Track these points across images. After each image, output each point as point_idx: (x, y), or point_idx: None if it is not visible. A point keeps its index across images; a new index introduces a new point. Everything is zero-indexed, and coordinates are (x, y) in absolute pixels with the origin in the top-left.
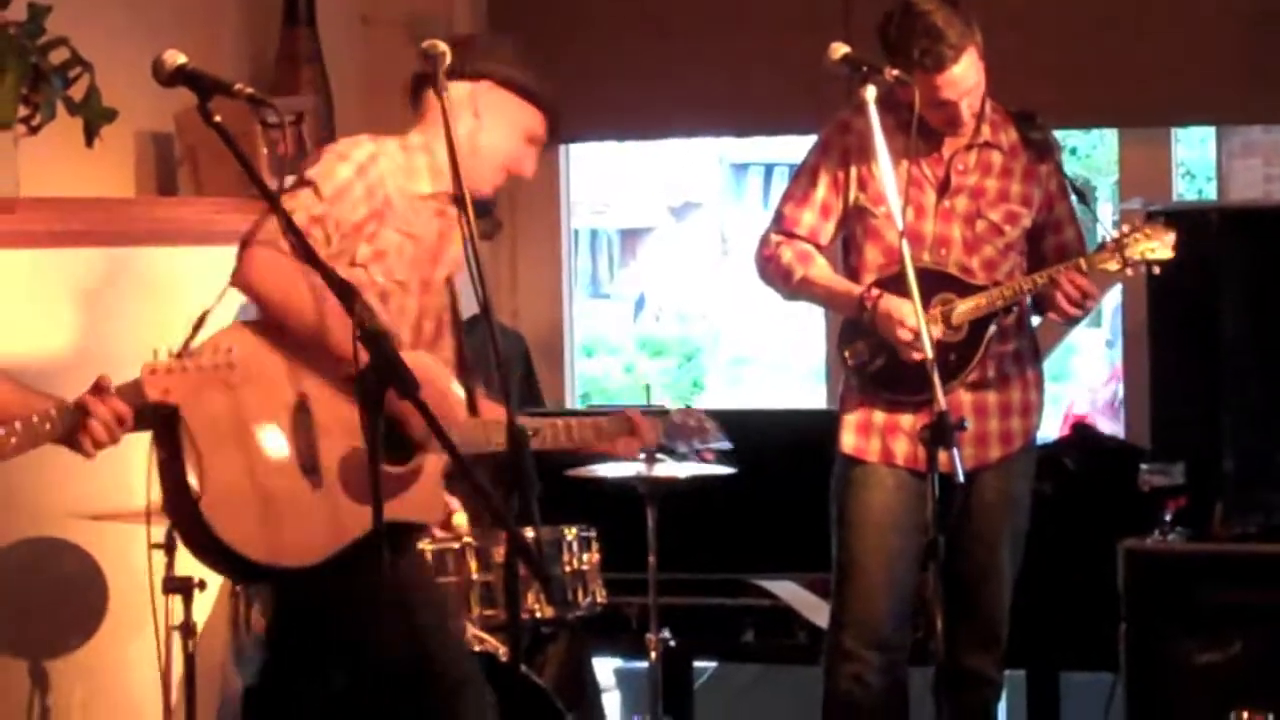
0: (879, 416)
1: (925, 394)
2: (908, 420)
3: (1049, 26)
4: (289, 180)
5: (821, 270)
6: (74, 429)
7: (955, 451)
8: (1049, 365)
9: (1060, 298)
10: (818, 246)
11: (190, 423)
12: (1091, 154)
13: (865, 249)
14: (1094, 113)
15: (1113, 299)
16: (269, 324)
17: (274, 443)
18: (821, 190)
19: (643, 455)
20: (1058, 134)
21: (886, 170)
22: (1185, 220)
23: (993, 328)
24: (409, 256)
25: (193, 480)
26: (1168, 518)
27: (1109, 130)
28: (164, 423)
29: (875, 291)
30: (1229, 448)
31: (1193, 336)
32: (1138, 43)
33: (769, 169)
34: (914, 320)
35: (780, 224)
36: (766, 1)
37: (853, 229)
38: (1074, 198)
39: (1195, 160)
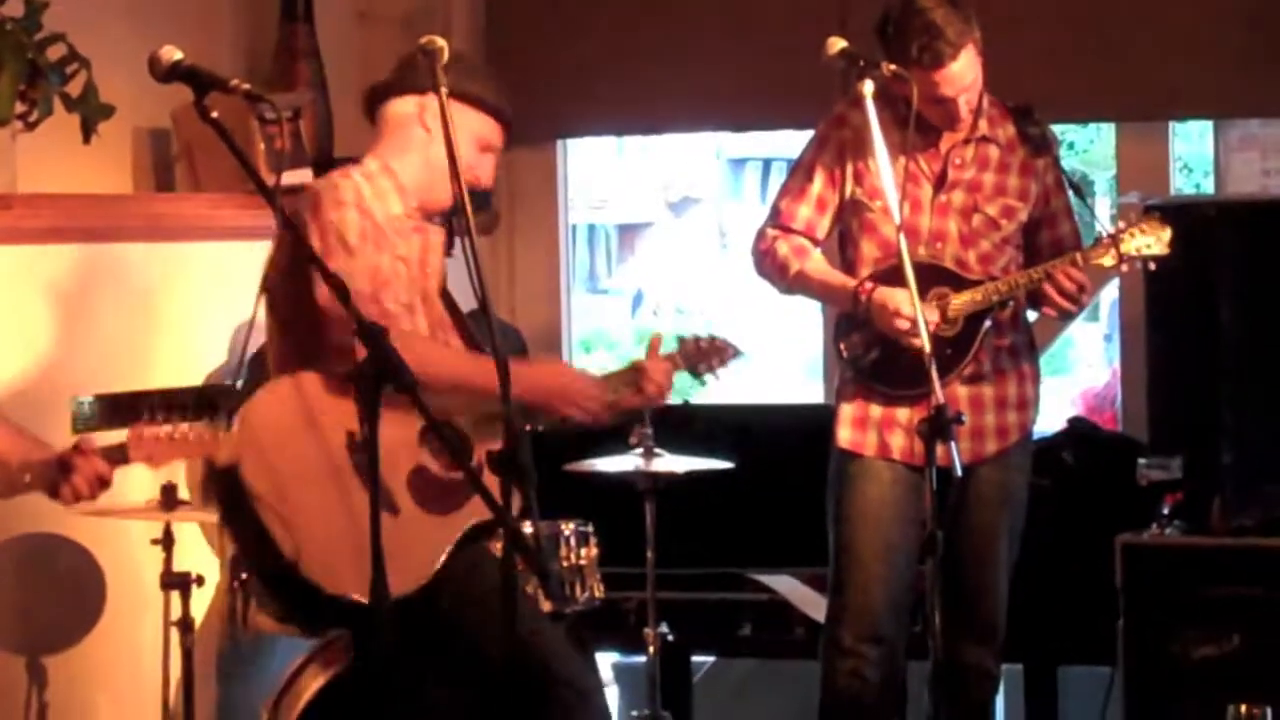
0: (875, 410)
1: (921, 388)
2: (904, 414)
3: (1046, 20)
4: (314, 235)
5: (817, 264)
6: (55, 481)
7: (953, 445)
8: (1046, 359)
9: (1054, 292)
10: (814, 241)
11: (257, 489)
12: (1089, 148)
13: (861, 243)
14: (1091, 107)
15: (1110, 293)
16: (296, 379)
17: (342, 487)
18: (818, 185)
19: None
20: (1055, 128)
21: (884, 165)
22: (1183, 214)
23: (988, 322)
24: (405, 278)
25: (284, 546)
26: (1165, 512)
27: (1106, 124)
28: (233, 498)
29: (869, 284)
30: (1227, 442)
31: (1190, 330)
32: (1135, 36)
33: (767, 164)
34: (910, 309)
35: (776, 218)
36: None
37: (849, 223)
38: (1071, 193)
39: (1193, 154)
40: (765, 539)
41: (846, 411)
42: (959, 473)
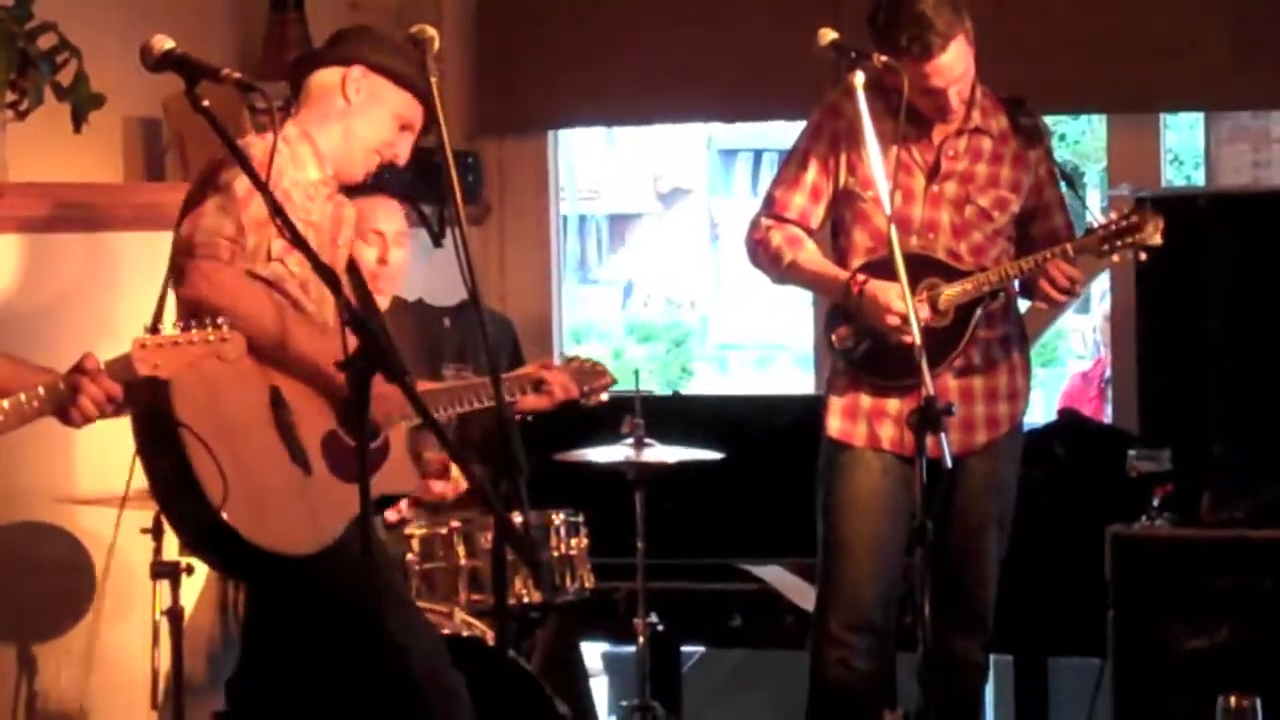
0: (865, 401)
1: (912, 378)
2: (894, 405)
3: (1036, 12)
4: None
5: (810, 255)
6: (64, 404)
7: (943, 436)
8: (1037, 350)
9: (1046, 284)
10: (808, 230)
11: (189, 425)
12: (1080, 140)
13: (854, 232)
14: (1082, 99)
15: (1100, 284)
16: None
17: (263, 438)
18: (812, 174)
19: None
20: (1046, 120)
21: (874, 155)
22: (1173, 206)
23: (979, 313)
24: (314, 244)
25: (208, 488)
26: (1155, 503)
27: (1097, 116)
28: (162, 433)
29: (861, 277)
30: (1216, 433)
31: (1180, 322)
32: (1126, 28)
33: (758, 155)
34: (900, 305)
35: (771, 207)
36: None
37: (842, 213)
38: (1063, 184)
39: (1183, 146)
40: (755, 529)
41: (836, 402)
42: (949, 464)
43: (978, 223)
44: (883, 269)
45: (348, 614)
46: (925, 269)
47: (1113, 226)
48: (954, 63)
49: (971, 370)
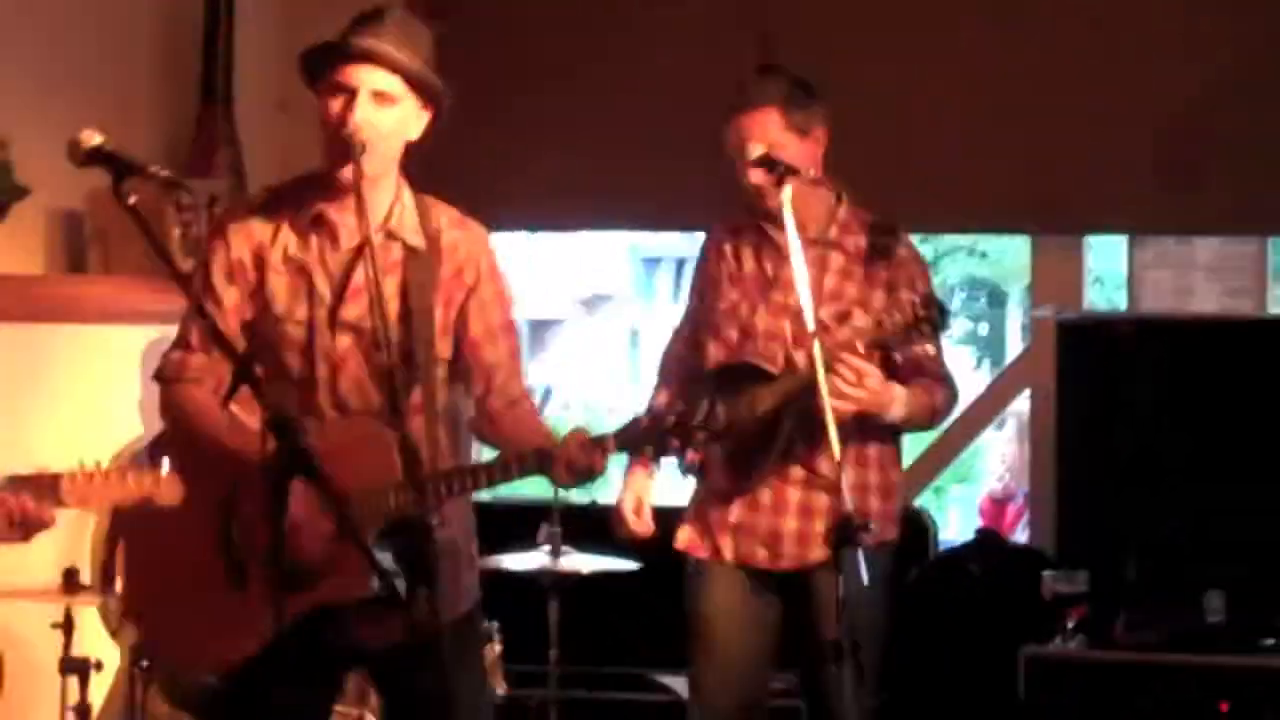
0: (710, 512)
1: (744, 484)
2: (734, 514)
3: (963, 132)
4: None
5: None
6: None
7: (859, 553)
8: (955, 467)
9: (838, 381)
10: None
11: (136, 528)
12: (1003, 259)
13: (709, 346)
14: (1008, 219)
15: (1020, 404)
16: None
17: (198, 546)
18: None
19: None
20: (972, 238)
21: (800, 268)
22: (1096, 329)
23: (787, 422)
24: (303, 290)
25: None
26: (1070, 625)
27: (1021, 235)
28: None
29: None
30: (1132, 556)
31: (1099, 444)
32: (1052, 151)
33: (680, 263)
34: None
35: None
36: (679, 96)
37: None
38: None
39: (1106, 269)
40: (669, 640)
41: (687, 514)
42: (865, 580)
43: (817, 334)
44: (727, 375)
45: None
46: (743, 378)
47: (899, 319)
48: (748, 128)
49: (809, 484)
